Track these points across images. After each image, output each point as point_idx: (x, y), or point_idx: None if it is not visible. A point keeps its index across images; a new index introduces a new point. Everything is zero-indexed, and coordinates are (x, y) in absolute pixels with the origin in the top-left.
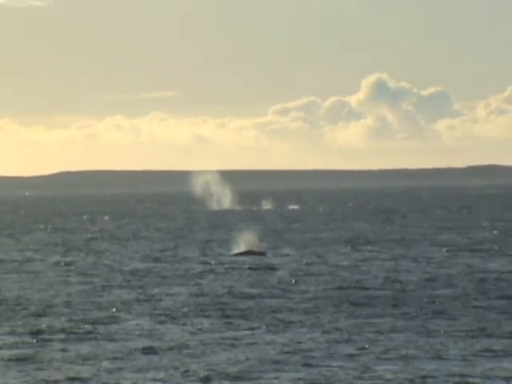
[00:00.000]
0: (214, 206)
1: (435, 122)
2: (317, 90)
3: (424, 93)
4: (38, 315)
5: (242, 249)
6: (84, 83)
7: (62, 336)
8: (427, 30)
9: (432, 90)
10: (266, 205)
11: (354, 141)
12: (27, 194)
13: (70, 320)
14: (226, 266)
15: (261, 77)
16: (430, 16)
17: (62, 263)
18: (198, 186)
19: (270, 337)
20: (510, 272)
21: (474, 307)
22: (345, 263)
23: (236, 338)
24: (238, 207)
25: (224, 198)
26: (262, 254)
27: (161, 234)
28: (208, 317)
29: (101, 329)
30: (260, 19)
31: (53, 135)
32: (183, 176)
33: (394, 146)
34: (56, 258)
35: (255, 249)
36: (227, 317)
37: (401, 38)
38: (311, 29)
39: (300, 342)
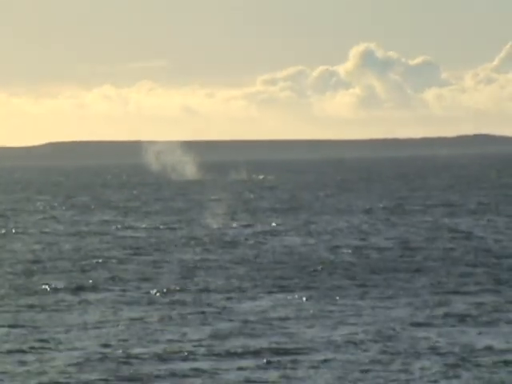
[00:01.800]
0: (174, 177)
1: (423, 91)
2: (305, 59)
3: (412, 62)
4: None
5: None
6: (72, 53)
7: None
8: (415, 0)
9: (420, 59)
10: (238, 175)
11: (342, 110)
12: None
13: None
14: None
15: (249, 46)
16: None
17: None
18: (152, 157)
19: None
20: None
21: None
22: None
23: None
24: (201, 177)
25: (185, 169)
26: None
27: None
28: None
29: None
30: None
31: (41, 105)
32: (171, 146)
33: (381, 115)
34: None
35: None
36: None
37: (389, 8)
38: None
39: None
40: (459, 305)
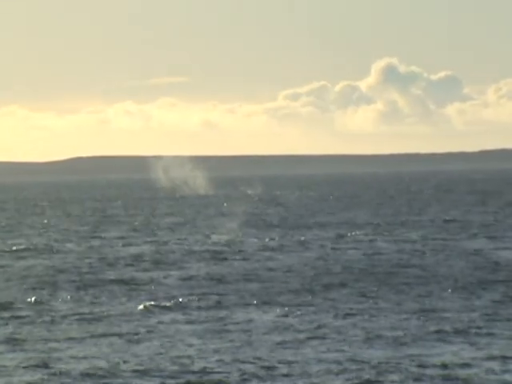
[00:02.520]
0: (185, 192)
1: (445, 106)
2: (327, 74)
3: (434, 77)
4: None
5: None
6: (94, 68)
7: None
8: (437, 14)
9: (442, 74)
10: (253, 190)
11: (364, 125)
12: None
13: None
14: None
15: (271, 61)
16: (440, 0)
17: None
18: (160, 172)
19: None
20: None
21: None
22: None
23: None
24: (214, 192)
25: (196, 184)
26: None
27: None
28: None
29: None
30: (270, 4)
31: (63, 120)
32: (192, 161)
33: (404, 130)
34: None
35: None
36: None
37: (411, 22)
38: (321, 14)
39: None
40: (466, 321)
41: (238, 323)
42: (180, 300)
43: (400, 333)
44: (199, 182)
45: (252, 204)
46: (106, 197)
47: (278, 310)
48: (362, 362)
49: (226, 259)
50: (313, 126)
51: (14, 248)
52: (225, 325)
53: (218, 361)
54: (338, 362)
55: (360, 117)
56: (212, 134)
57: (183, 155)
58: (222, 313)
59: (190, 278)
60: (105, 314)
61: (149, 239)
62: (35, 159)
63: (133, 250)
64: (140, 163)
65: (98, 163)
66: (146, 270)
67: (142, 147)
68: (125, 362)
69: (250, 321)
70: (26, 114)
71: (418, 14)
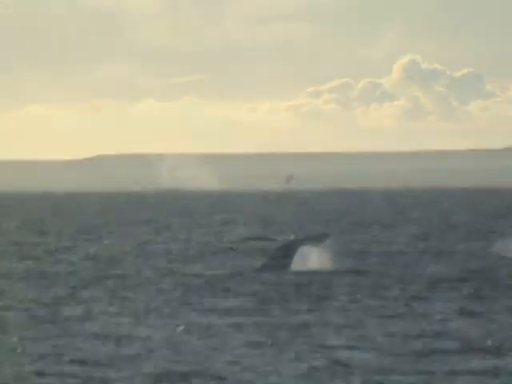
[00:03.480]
0: (193, 190)
1: (468, 103)
2: (350, 71)
3: (457, 74)
4: None
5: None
6: (115, 67)
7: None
8: (460, 11)
9: (465, 71)
10: (272, 187)
11: (387, 122)
12: None
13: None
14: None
15: (293, 59)
16: None
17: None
18: (165, 170)
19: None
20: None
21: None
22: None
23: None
24: (228, 190)
25: (208, 181)
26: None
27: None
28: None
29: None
30: (292, 2)
31: (85, 119)
32: (215, 159)
33: (426, 127)
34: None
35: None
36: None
37: (433, 20)
38: (343, 11)
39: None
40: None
41: (237, 327)
42: (184, 301)
43: (401, 343)
44: (210, 180)
45: (267, 202)
46: (116, 197)
47: (280, 315)
48: (357, 371)
49: (229, 261)
50: (335, 123)
51: (18, 253)
52: (223, 330)
53: (213, 365)
54: (336, 372)
55: (383, 114)
56: (235, 131)
57: (196, 153)
58: (221, 316)
59: (196, 277)
60: (104, 313)
61: (155, 239)
62: (58, 157)
63: (140, 249)
64: (164, 160)
65: (121, 161)
66: (151, 268)
67: (164, 145)
68: (124, 366)
69: (250, 325)
70: (48, 113)
71: (440, 11)
